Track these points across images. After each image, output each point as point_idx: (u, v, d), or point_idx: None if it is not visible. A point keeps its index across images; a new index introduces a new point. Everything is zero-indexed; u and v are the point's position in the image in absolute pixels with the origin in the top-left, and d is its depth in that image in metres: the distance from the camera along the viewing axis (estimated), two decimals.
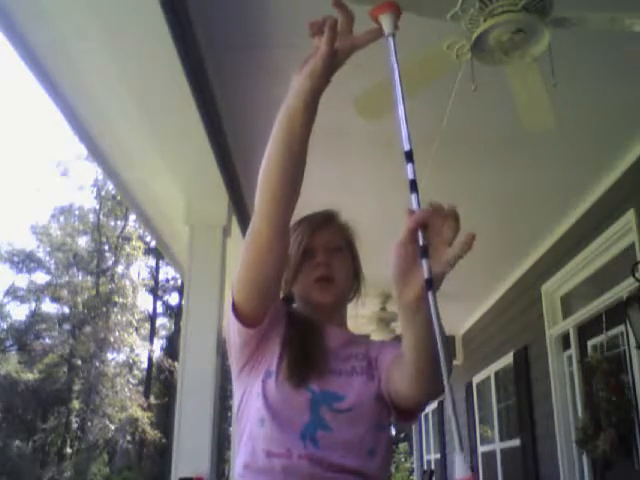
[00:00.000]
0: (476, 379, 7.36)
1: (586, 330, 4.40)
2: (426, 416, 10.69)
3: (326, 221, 1.36)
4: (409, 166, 0.85)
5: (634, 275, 3.34)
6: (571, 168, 3.77)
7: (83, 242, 24.38)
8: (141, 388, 23.15)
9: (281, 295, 1.30)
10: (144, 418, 21.26)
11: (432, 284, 0.82)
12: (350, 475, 1.11)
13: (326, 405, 1.15)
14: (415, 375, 1.04)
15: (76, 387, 22.04)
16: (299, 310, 1.33)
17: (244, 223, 4.12)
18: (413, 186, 0.85)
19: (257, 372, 1.20)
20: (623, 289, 3.62)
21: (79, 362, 22.09)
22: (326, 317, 1.30)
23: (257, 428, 1.15)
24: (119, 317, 22.35)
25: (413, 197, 0.85)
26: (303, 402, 1.14)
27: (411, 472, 13.91)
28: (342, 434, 1.13)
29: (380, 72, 2.36)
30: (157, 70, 2.57)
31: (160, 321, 26.13)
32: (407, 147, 0.86)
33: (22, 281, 24.01)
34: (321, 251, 1.29)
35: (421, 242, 0.84)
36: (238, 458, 1.19)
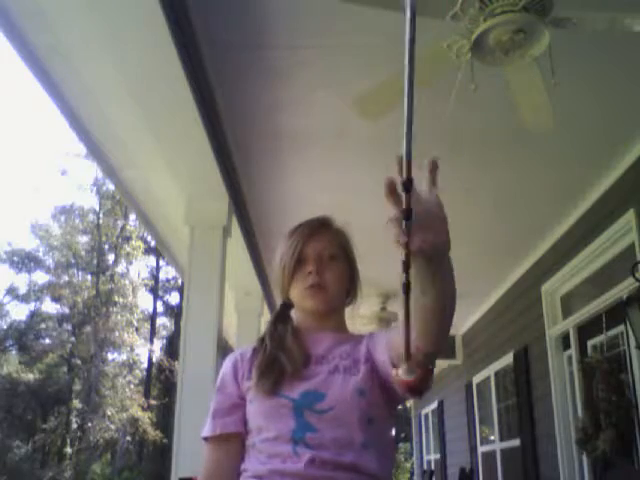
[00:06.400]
0: (476, 379, 7.36)
1: (586, 330, 4.40)
2: (426, 416, 10.70)
3: (319, 229, 1.37)
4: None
5: (634, 275, 3.34)
6: (571, 168, 3.77)
7: (83, 241, 24.38)
8: (141, 388, 23.14)
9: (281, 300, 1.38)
10: (144, 418, 21.25)
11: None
12: (346, 471, 1.14)
13: (308, 408, 1.18)
14: (419, 325, 1.00)
15: (76, 387, 22.05)
16: (296, 315, 1.38)
17: (244, 223, 4.12)
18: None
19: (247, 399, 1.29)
20: (623, 289, 3.62)
21: (79, 362, 22.09)
22: (321, 322, 1.34)
23: (250, 446, 1.23)
24: (119, 317, 22.33)
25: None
26: (285, 410, 1.19)
27: (412, 473, 13.91)
28: (330, 433, 1.16)
29: (380, 73, 2.37)
30: (157, 70, 2.57)
31: (160, 321, 26.15)
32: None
33: (22, 281, 24.06)
34: (313, 260, 1.32)
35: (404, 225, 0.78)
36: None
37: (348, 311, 1.41)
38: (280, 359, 1.24)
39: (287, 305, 1.38)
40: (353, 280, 1.38)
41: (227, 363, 1.33)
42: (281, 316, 1.37)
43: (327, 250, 1.34)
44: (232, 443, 1.25)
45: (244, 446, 1.24)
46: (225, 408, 1.27)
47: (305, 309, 1.34)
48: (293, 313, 1.38)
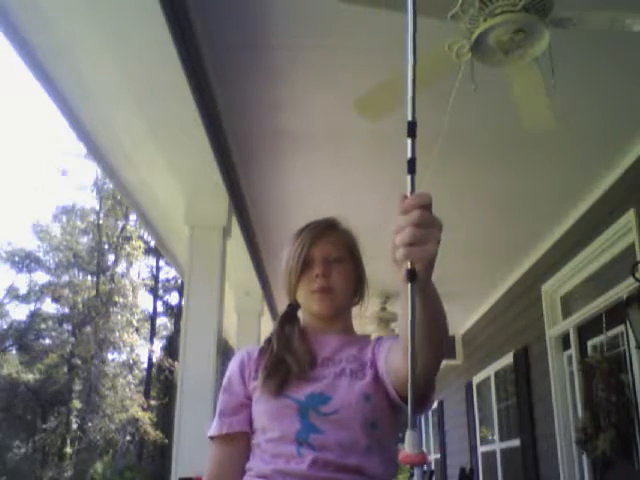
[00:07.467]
0: (476, 379, 7.36)
1: (586, 330, 4.40)
2: (426, 416, 10.69)
3: (326, 230, 1.37)
4: (409, 142, 0.77)
5: (634, 275, 3.34)
6: (571, 168, 3.77)
7: (83, 242, 24.36)
8: (141, 388, 23.13)
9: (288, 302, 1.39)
10: (144, 418, 21.24)
11: (414, 275, 0.78)
12: (350, 473, 1.14)
13: (313, 410, 1.18)
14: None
15: (76, 387, 22.02)
16: (303, 317, 1.38)
17: (244, 223, 4.12)
18: (411, 165, 0.76)
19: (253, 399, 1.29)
20: (623, 289, 3.62)
21: (79, 362, 22.06)
22: (327, 324, 1.34)
23: (255, 445, 1.23)
24: (119, 317, 22.32)
25: (409, 178, 0.78)
26: (291, 411, 1.19)
27: (412, 474, 13.92)
28: (334, 435, 1.16)
29: (380, 73, 2.37)
30: (157, 70, 2.57)
31: (160, 321, 26.11)
32: (410, 118, 0.77)
33: (22, 281, 24.03)
34: (319, 262, 1.32)
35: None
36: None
37: (354, 311, 1.41)
38: (286, 360, 1.25)
39: (294, 306, 1.38)
40: (360, 281, 1.38)
41: (234, 363, 1.33)
42: (288, 317, 1.37)
43: (333, 252, 1.34)
44: (238, 442, 1.25)
45: (250, 445, 1.25)
46: (231, 408, 1.28)
47: (312, 312, 1.34)
48: (300, 314, 1.38)
